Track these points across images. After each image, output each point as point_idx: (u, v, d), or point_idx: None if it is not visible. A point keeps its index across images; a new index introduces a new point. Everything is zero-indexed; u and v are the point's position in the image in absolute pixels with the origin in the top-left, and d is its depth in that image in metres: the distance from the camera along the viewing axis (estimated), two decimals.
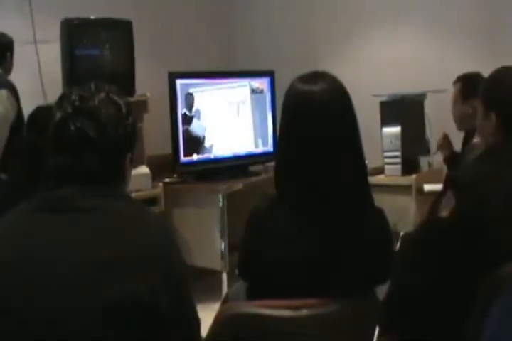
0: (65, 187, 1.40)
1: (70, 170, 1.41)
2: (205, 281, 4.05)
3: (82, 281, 1.28)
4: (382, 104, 4.03)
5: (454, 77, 3.65)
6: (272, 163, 2.17)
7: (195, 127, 4.12)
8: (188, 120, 4.07)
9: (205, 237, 3.97)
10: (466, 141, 3.57)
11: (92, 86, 1.47)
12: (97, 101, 1.43)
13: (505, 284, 1.71)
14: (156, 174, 3.99)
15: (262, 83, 4.48)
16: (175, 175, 4.13)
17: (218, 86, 4.26)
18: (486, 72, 2.14)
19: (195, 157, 4.11)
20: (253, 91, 4.43)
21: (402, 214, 3.70)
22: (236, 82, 4.37)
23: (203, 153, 4.16)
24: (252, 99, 4.42)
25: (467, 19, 4.40)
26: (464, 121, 3.53)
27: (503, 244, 1.77)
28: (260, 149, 4.48)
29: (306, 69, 1.85)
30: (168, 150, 4.07)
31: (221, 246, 3.92)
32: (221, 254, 3.93)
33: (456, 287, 1.84)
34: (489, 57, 4.10)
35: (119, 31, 3.96)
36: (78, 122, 1.39)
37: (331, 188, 1.68)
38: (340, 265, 1.69)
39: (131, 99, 3.49)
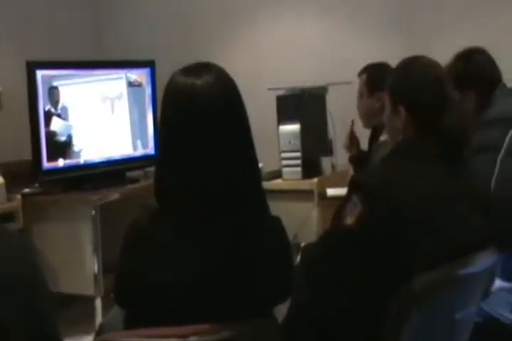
0: None
1: None
2: (75, 310, 3.99)
3: None
4: (279, 99, 4.09)
5: (360, 68, 3.76)
6: (153, 168, 2.16)
7: (61, 127, 4.04)
8: (52, 119, 3.98)
9: (75, 257, 3.92)
10: (373, 138, 3.68)
11: None
12: None
13: (417, 300, 1.78)
14: (13, 184, 3.89)
15: (140, 75, 4.46)
16: (36, 185, 4.05)
17: (89, 78, 4.21)
18: (396, 63, 2.22)
19: (61, 162, 4.04)
20: (130, 84, 4.41)
21: (303, 222, 3.77)
22: (110, 74, 4.33)
23: (70, 157, 4.09)
24: (129, 93, 4.40)
25: (375, 2, 4.53)
26: (370, 117, 3.64)
27: (422, 249, 1.84)
28: (139, 152, 4.47)
29: (191, 59, 1.86)
30: (27, 155, 3.97)
31: (94, 267, 3.88)
32: (94, 277, 3.88)
33: (365, 302, 1.89)
34: (399, 46, 4.26)
35: None
36: None
37: (214, 187, 1.69)
38: (232, 283, 1.70)
39: None
